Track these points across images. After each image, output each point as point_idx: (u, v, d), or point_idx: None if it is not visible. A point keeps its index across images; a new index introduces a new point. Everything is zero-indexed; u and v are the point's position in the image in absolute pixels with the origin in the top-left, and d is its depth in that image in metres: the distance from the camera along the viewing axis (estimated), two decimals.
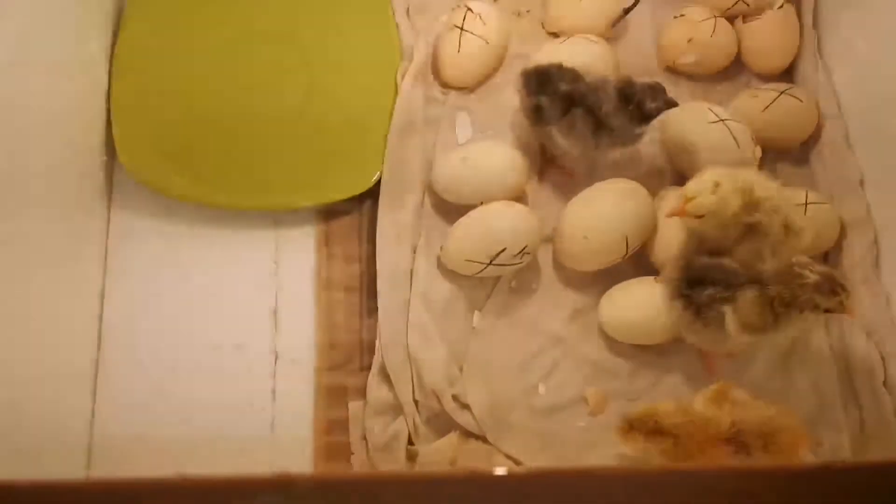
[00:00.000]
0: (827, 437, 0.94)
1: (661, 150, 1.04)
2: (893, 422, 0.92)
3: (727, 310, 0.85)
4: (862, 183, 1.01)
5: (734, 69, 1.10)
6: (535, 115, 0.98)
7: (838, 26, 1.06)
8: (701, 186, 0.86)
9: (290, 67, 1.03)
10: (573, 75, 0.97)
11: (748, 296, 0.85)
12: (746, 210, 0.85)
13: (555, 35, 1.08)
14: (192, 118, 0.99)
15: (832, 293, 0.83)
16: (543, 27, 1.10)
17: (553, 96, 0.97)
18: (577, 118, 0.96)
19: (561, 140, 0.98)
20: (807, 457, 0.87)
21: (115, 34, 1.00)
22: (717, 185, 0.85)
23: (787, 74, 1.09)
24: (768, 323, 0.84)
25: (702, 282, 0.86)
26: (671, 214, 0.88)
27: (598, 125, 0.96)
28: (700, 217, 0.85)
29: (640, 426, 0.84)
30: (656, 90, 0.95)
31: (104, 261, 0.96)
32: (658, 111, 0.95)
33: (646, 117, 0.96)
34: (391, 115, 1.01)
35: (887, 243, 0.98)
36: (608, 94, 0.96)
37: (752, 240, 0.87)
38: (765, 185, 0.87)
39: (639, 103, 0.95)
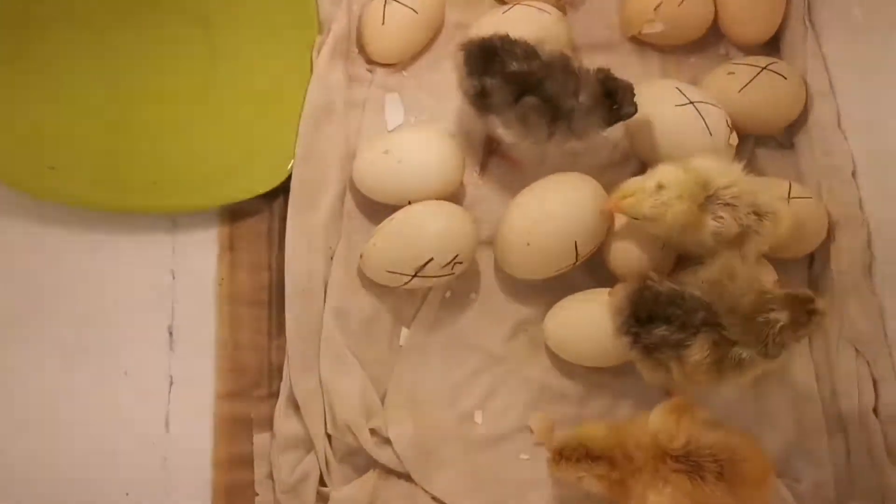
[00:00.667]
0: (807, 473, 0.86)
1: (623, 136, 0.93)
2: (885, 456, 0.84)
3: (674, 361, 0.75)
4: (854, 174, 0.92)
5: (710, 39, 1.00)
6: (478, 100, 0.86)
7: None
8: (641, 185, 0.80)
9: (187, 42, 0.92)
10: (525, 51, 0.85)
11: (704, 342, 0.75)
12: (702, 209, 0.79)
13: (500, 2, 0.97)
14: (70, 104, 0.89)
15: (808, 318, 0.74)
16: None
17: (500, 78, 0.85)
18: (529, 108, 0.84)
19: (504, 131, 0.86)
20: (771, 493, 0.81)
21: None
22: (660, 187, 0.79)
23: (772, 45, 1.00)
24: (727, 373, 0.75)
25: (653, 319, 0.77)
26: (603, 209, 0.83)
27: (555, 115, 0.85)
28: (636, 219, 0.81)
29: (570, 454, 0.78)
30: (632, 91, 0.85)
31: None
32: (630, 116, 0.85)
33: (617, 119, 0.85)
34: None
35: (882, 245, 0.89)
36: (568, 78, 0.84)
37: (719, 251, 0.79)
38: (725, 172, 0.81)
39: (620, 102, 0.84)
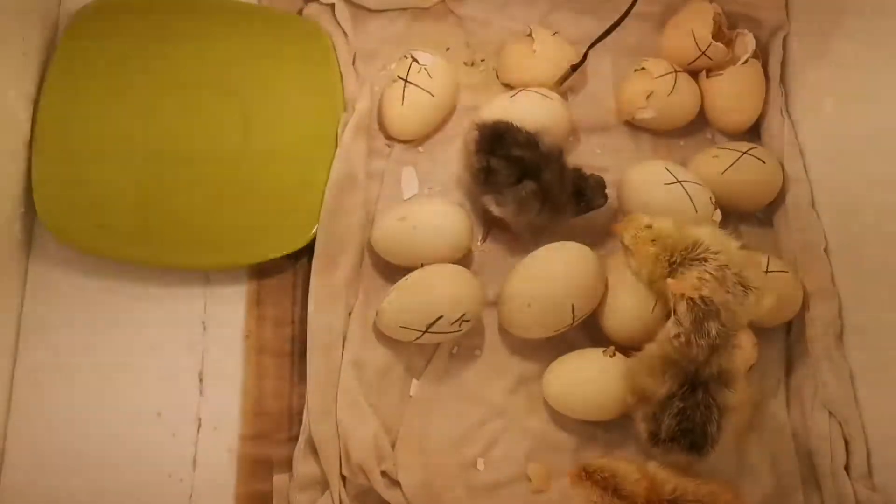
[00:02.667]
0: None
1: (616, 211, 0.99)
2: None
3: None
4: (827, 250, 0.97)
5: (698, 125, 1.06)
6: (481, 176, 0.93)
7: (805, 83, 1.02)
8: (639, 218, 0.87)
9: (225, 117, 0.97)
10: (529, 140, 0.93)
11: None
12: (686, 266, 0.84)
13: (508, 87, 1.04)
14: (119, 170, 0.94)
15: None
16: (497, 78, 1.05)
17: (504, 160, 0.92)
18: (528, 192, 0.92)
19: (496, 208, 0.94)
20: None
21: (41, 83, 0.95)
22: (647, 226, 0.86)
23: (753, 132, 1.05)
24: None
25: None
26: (614, 229, 0.90)
27: (546, 200, 0.93)
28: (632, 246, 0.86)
29: (598, 479, 0.81)
30: (603, 186, 0.94)
31: (18, 318, 0.91)
32: (601, 206, 0.95)
33: (588, 210, 0.95)
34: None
35: (852, 315, 0.94)
36: (559, 167, 0.93)
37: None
38: (720, 241, 0.85)
39: (589, 199, 0.94)
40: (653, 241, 0.84)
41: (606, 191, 0.95)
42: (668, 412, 0.82)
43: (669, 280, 0.83)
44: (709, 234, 0.85)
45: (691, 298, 0.81)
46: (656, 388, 0.82)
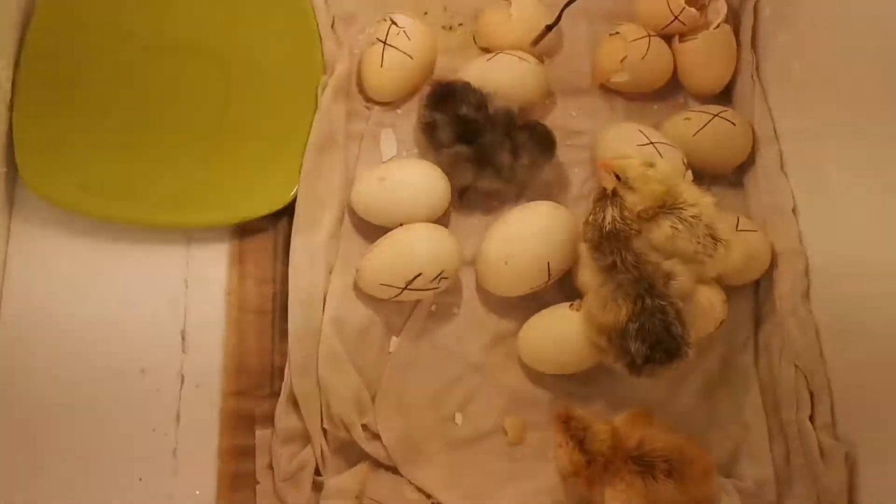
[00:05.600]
0: (751, 473, 0.92)
1: (591, 172, 1.01)
2: (819, 459, 0.90)
3: None
4: (795, 210, 0.99)
5: (671, 89, 1.07)
6: (427, 132, 0.96)
7: (775, 47, 1.03)
8: (635, 156, 0.88)
9: (206, 78, 0.99)
10: (479, 101, 0.95)
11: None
12: (664, 215, 0.86)
13: (486, 51, 1.05)
14: (101, 130, 0.95)
15: None
16: (475, 42, 1.06)
17: (449, 117, 0.95)
18: (458, 153, 0.94)
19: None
20: (714, 489, 0.87)
21: (21, 44, 0.96)
22: (650, 165, 0.86)
23: (724, 96, 1.07)
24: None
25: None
26: (599, 164, 0.90)
27: (483, 164, 0.95)
28: (617, 181, 0.86)
29: (572, 430, 0.84)
30: (547, 139, 0.97)
31: (1, 276, 0.92)
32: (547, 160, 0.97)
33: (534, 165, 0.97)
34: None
35: (818, 274, 0.96)
36: (504, 130, 0.95)
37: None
38: (696, 195, 0.87)
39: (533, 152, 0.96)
40: (660, 181, 0.86)
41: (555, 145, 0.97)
42: (630, 337, 0.84)
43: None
44: (686, 188, 0.88)
45: (604, 188, 0.86)
46: (616, 315, 0.84)
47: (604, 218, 0.85)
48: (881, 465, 0.87)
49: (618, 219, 0.85)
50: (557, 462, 0.85)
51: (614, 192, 0.85)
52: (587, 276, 0.88)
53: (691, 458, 0.85)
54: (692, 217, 0.85)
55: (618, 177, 0.86)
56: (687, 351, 0.85)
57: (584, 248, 0.88)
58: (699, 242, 0.85)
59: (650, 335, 0.84)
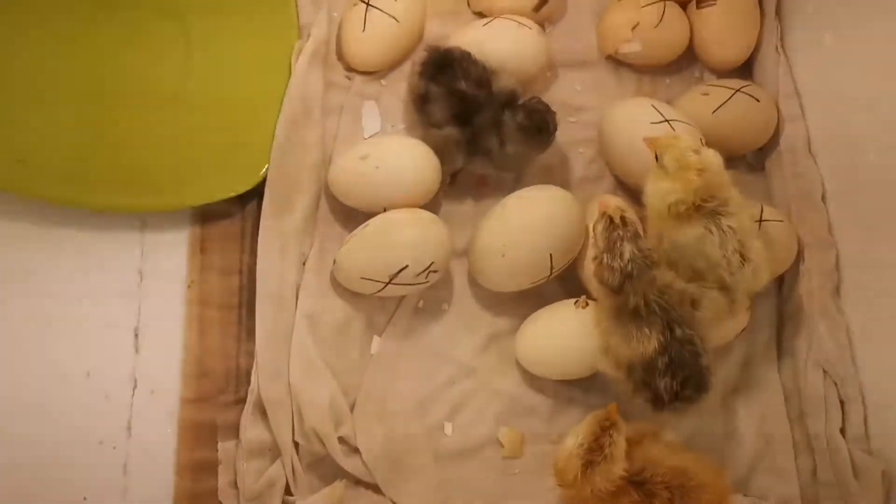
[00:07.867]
0: (774, 490, 0.87)
1: (597, 152, 0.95)
2: (851, 477, 0.84)
3: None
4: (824, 197, 0.93)
5: (685, 61, 1.01)
6: (419, 104, 0.89)
7: (804, 15, 0.97)
8: (681, 138, 0.81)
9: (165, 43, 0.93)
10: (481, 76, 0.88)
11: None
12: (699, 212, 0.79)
13: (480, 15, 0.98)
14: (43, 99, 0.89)
15: None
16: (469, 6, 0.99)
17: (446, 90, 0.87)
18: (445, 136, 0.87)
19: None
20: None
21: None
22: (696, 151, 0.80)
23: (745, 69, 1.01)
24: None
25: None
26: (645, 138, 0.83)
27: (474, 150, 0.88)
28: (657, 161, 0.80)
29: (603, 425, 0.78)
30: (545, 121, 0.89)
31: None
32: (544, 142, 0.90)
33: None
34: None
35: (850, 268, 0.90)
36: (502, 111, 0.87)
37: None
38: (740, 204, 0.81)
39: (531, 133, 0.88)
40: (700, 170, 0.79)
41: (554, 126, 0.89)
42: (658, 373, 0.78)
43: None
44: (735, 194, 0.81)
45: (610, 217, 0.80)
46: (644, 347, 0.78)
47: (622, 256, 0.78)
48: None
49: (636, 253, 0.78)
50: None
51: (622, 220, 0.79)
52: (600, 296, 0.81)
53: (700, 483, 0.78)
54: (728, 227, 0.79)
55: (657, 158, 0.78)
56: (713, 382, 0.80)
57: (595, 286, 0.82)
58: (725, 256, 0.79)
59: (681, 369, 0.78)
